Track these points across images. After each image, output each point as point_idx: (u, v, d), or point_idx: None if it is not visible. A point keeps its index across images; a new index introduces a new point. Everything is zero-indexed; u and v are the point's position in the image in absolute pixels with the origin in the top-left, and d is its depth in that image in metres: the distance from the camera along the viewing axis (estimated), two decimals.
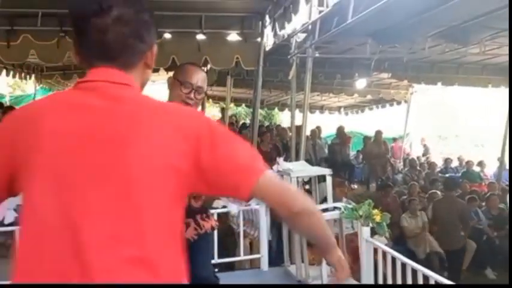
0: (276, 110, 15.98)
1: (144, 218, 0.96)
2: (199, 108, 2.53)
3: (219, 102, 15.71)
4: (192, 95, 2.22)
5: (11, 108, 6.64)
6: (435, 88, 11.00)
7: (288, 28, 5.22)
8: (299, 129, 6.03)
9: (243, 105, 16.03)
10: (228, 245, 4.92)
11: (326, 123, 13.14)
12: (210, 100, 14.61)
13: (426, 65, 8.47)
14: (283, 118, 19.37)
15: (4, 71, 8.92)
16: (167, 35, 5.93)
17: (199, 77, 2.26)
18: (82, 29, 1.04)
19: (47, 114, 1.00)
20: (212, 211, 4.17)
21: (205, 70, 9.05)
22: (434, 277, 2.66)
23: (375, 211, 3.37)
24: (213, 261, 3.83)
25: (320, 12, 4.55)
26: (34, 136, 0.98)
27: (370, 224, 3.35)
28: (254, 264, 4.53)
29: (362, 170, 11.13)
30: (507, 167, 9.81)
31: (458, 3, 3.78)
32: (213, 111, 18.17)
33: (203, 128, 1.05)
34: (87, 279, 0.90)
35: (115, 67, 1.05)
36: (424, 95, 14.95)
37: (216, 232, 3.61)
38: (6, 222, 3.55)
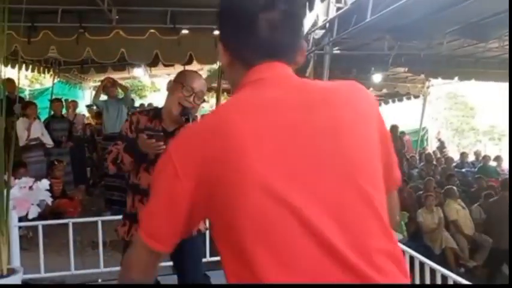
0: None
1: (379, 209, 0.91)
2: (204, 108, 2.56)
3: None
4: (191, 99, 2.27)
5: (30, 103, 6.74)
6: (452, 82, 10.87)
7: (305, 24, 5.21)
8: None
9: None
10: None
11: None
12: (225, 93, 14.66)
13: (443, 59, 8.37)
14: None
15: (23, 65, 9.04)
16: (184, 31, 5.96)
17: (200, 83, 2.33)
18: (247, 25, 0.96)
19: (238, 122, 0.89)
20: None
21: (220, 64, 9.11)
22: (453, 277, 2.67)
23: None
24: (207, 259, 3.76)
25: (338, 9, 4.54)
26: (230, 150, 0.87)
27: None
28: None
29: None
30: None
31: (478, 0, 3.74)
32: None
33: (380, 116, 1.01)
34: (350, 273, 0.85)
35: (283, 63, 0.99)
36: (440, 88, 14.78)
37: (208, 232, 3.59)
38: (30, 217, 3.62)
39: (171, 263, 2.49)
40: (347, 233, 0.86)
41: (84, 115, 11.31)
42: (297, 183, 0.86)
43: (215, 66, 10.69)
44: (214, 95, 14.44)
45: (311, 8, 4.89)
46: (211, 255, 3.70)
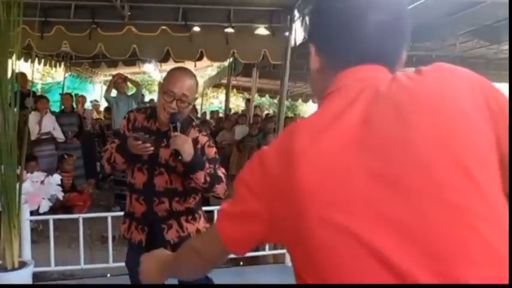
0: (300, 101, 15.96)
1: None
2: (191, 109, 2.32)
3: (243, 92, 15.77)
4: (173, 105, 2.12)
5: (41, 97, 6.79)
6: None
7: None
8: None
9: (267, 95, 16.04)
10: None
11: None
12: (235, 90, 14.69)
13: (455, 60, 8.32)
14: (306, 109, 19.35)
15: (36, 59, 9.12)
16: (196, 28, 5.99)
17: (183, 85, 2.14)
18: (351, 27, 0.86)
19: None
20: None
21: (231, 60, 9.11)
22: None
23: None
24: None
25: None
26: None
27: None
28: (279, 259, 4.58)
29: None
30: None
31: (491, 4, 3.72)
32: (237, 101, 18.27)
33: (487, 89, 0.82)
34: None
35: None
36: None
37: None
38: (41, 211, 3.68)
39: None
40: (434, 262, 0.71)
41: (92, 110, 11.39)
42: (368, 213, 0.74)
43: (225, 63, 10.72)
44: (224, 91, 14.49)
45: None
46: None
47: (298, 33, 5.95)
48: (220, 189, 2.20)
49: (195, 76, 2.29)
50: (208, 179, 2.12)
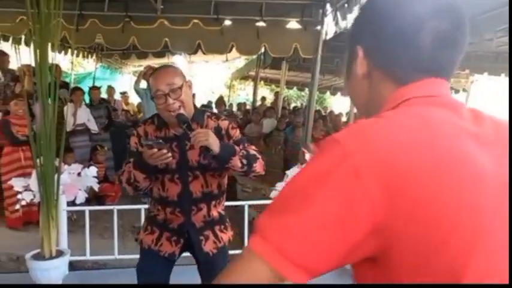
0: (328, 93, 15.82)
1: None
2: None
3: (270, 84, 15.74)
4: (169, 101, 2.03)
5: (76, 89, 6.89)
6: (498, 78, 10.52)
7: (350, 17, 5.17)
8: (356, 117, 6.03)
9: (295, 88, 15.97)
10: None
11: None
12: (262, 82, 14.68)
13: (490, 55, 8.12)
14: (334, 102, 19.21)
15: (69, 50, 9.30)
16: (227, 22, 6.00)
17: (164, 78, 2.06)
18: (408, 33, 0.79)
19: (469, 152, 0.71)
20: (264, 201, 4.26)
21: (260, 53, 9.10)
22: None
23: None
24: None
25: None
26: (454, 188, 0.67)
27: None
28: None
29: None
30: None
31: None
32: (264, 93, 18.21)
33: None
34: None
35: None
36: (486, 84, 14.34)
37: None
38: (77, 202, 3.78)
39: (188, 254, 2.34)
40: None
41: (121, 101, 11.54)
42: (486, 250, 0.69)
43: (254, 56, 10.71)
44: (252, 83, 14.48)
45: (358, 2, 4.85)
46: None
47: (329, 27, 5.91)
48: (259, 166, 2.13)
49: (169, 65, 2.22)
50: (244, 161, 2.05)
